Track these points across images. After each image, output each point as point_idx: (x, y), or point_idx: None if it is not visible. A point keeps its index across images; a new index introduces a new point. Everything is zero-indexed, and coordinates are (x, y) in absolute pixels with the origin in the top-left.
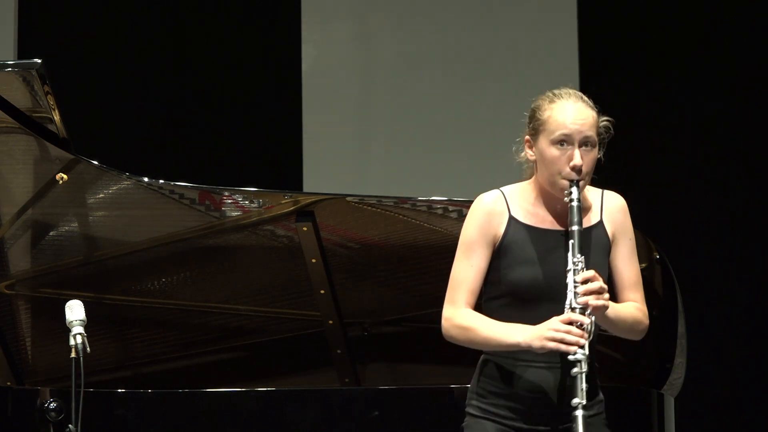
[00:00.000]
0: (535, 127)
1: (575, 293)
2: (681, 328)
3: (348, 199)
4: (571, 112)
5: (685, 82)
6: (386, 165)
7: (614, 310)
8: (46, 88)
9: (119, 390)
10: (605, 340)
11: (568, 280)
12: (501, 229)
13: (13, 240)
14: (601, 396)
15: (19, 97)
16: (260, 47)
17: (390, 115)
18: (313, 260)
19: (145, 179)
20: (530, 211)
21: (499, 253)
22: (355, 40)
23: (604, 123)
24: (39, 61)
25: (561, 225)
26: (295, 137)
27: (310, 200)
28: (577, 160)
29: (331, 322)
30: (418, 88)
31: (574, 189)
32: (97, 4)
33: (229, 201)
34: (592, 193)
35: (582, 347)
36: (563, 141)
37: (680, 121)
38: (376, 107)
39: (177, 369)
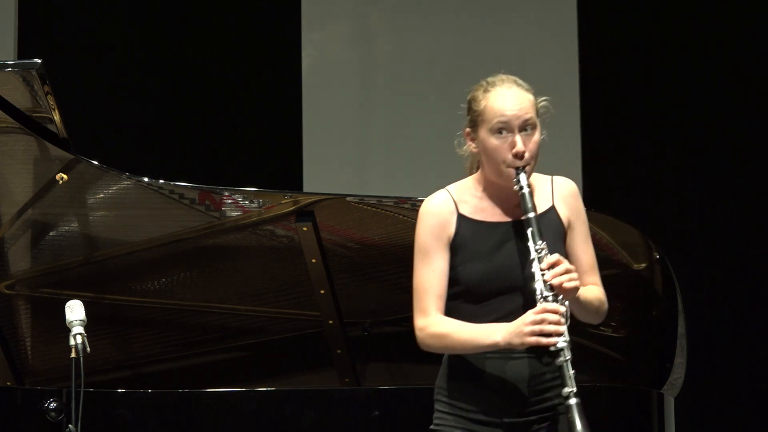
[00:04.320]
0: (474, 119)
1: (544, 281)
2: (681, 328)
3: (348, 199)
4: (506, 99)
5: (685, 81)
6: (386, 165)
7: (582, 292)
8: (46, 88)
9: (119, 390)
10: (605, 339)
11: (533, 269)
12: (452, 229)
13: (13, 240)
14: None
15: (19, 97)
16: (260, 47)
17: (390, 115)
18: (313, 260)
19: (145, 179)
20: (478, 206)
21: (453, 253)
22: (355, 40)
23: (543, 103)
24: (39, 61)
25: (509, 216)
26: (295, 137)
27: (310, 200)
28: (519, 146)
29: (331, 322)
30: (418, 88)
31: (521, 176)
32: (96, 5)
33: (229, 201)
34: (542, 180)
35: (561, 335)
36: (502, 129)
37: (680, 121)
38: (376, 107)
39: (177, 369)
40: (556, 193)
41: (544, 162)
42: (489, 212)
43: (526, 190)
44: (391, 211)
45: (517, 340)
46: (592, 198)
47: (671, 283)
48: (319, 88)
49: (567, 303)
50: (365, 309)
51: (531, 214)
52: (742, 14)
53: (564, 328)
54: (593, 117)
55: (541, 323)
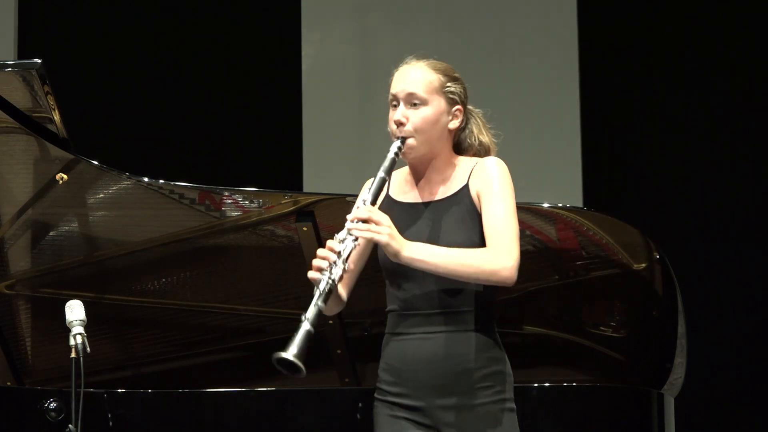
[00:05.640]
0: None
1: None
2: (681, 328)
3: (348, 199)
4: (398, 74)
5: (685, 81)
6: None
7: (432, 256)
8: (46, 88)
9: (119, 390)
10: (605, 339)
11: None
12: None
13: (13, 240)
14: (499, 370)
15: (19, 97)
16: (260, 47)
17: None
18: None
19: (145, 179)
20: (403, 187)
21: None
22: (355, 40)
23: (451, 88)
24: (39, 61)
25: (427, 197)
26: (295, 137)
27: (310, 200)
28: (396, 115)
29: (331, 322)
30: None
31: (396, 142)
32: (96, 5)
33: (229, 201)
34: (467, 162)
35: (327, 270)
36: (393, 101)
37: (680, 121)
38: (376, 107)
39: (177, 369)
40: (474, 172)
41: (544, 161)
42: (410, 194)
43: (391, 155)
44: None
45: None
46: (592, 198)
47: (671, 283)
48: (319, 88)
49: (349, 244)
50: (365, 309)
51: (380, 173)
52: (743, 14)
53: (324, 264)
54: (593, 117)
55: (316, 255)
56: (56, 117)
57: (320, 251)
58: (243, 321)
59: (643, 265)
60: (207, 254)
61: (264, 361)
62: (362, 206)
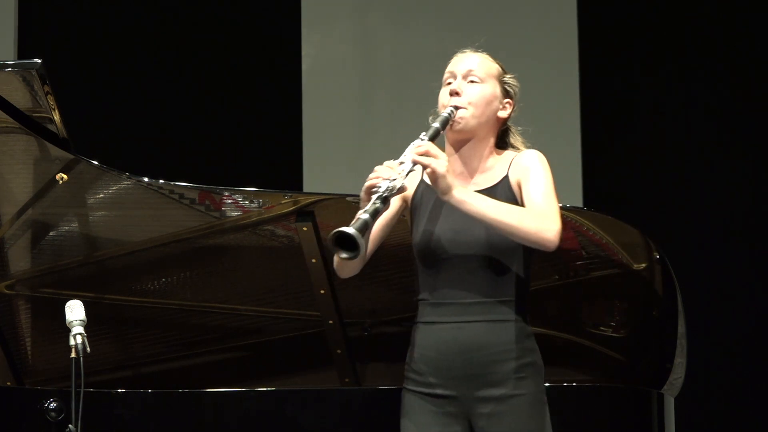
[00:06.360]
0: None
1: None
2: (681, 328)
3: (348, 199)
4: (459, 57)
5: (684, 81)
6: None
7: (481, 201)
8: (46, 88)
9: (119, 390)
10: (605, 339)
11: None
12: (411, 191)
13: (13, 240)
14: (533, 362)
15: (19, 97)
16: (260, 47)
17: (390, 115)
18: (313, 260)
19: (145, 179)
20: None
21: (411, 217)
22: (355, 40)
23: (509, 80)
24: (39, 61)
25: (462, 183)
26: (295, 137)
27: (310, 200)
28: (453, 85)
29: (331, 322)
30: (418, 88)
31: (449, 108)
32: (96, 5)
33: (229, 201)
34: (507, 155)
35: (388, 179)
36: (449, 79)
37: (680, 121)
38: (376, 107)
39: (177, 369)
40: (514, 162)
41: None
42: None
43: (445, 114)
44: None
45: None
46: (592, 198)
47: (671, 283)
48: (319, 88)
49: (407, 167)
50: (365, 309)
51: (434, 124)
52: (743, 14)
53: (385, 174)
54: (593, 117)
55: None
56: (56, 117)
57: (378, 167)
58: (243, 321)
59: (643, 265)
60: (207, 254)
61: (264, 361)
62: (421, 141)
